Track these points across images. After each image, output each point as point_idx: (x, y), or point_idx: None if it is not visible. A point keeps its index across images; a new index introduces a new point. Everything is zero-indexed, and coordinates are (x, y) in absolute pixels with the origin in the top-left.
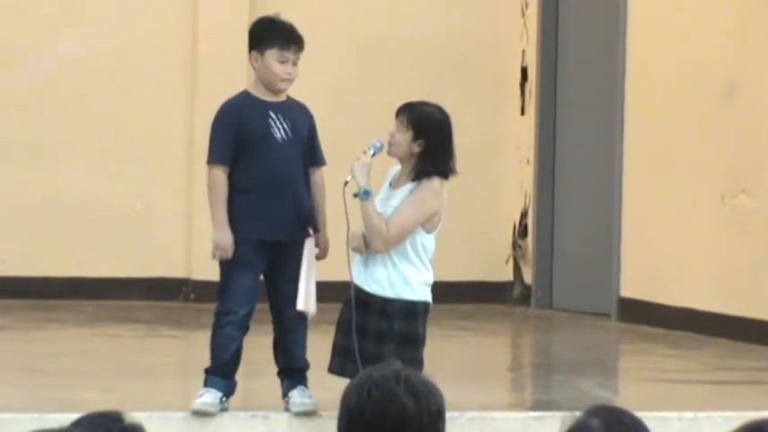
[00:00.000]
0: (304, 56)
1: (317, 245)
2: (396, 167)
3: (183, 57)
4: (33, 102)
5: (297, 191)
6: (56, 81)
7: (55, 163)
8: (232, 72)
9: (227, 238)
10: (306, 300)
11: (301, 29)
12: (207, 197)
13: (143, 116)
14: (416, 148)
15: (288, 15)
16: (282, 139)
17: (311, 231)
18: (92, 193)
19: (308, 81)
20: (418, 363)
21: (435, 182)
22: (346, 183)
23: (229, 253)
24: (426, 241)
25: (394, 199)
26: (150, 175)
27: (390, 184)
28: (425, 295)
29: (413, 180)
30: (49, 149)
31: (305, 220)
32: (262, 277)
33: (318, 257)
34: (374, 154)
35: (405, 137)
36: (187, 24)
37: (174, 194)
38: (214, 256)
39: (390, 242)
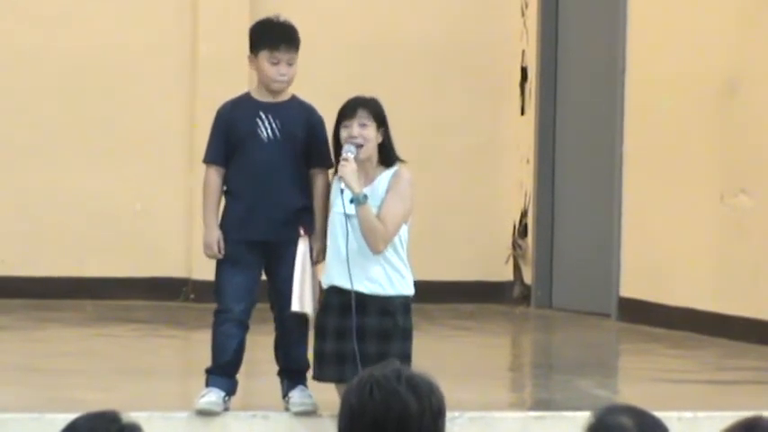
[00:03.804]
0: (303, 56)
1: (311, 247)
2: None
3: (182, 57)
4: (33, 102)
5: (282, 191)
6: (56, 81)
7: (55, 163)
8: (232, 73)
9: (211, 236)
10: (300, 300)
11: (301, 29)
12: None
13: (143, 116)
14: (379, 138)
15: (288, 16)
16: (268, 138)
17: (302, 232)
18: (92, 193)
19: (307, 82)
20: (409, 357)
21: (408, 171)
22: (342, 190)
23: (215, 250)
24: (406, 233)
25: (375, 197)
26: (150, 175)
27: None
28: (413, 288)
29: (386, 168)
30: (49, 149)
31: (294, 220)
32: (264, 277)
33: (315, 261)
34: (354, 158)
35: (374, 131)
36: (187, 25)
37: (174, 194)
38: (206, 255)
39: (389, 241)
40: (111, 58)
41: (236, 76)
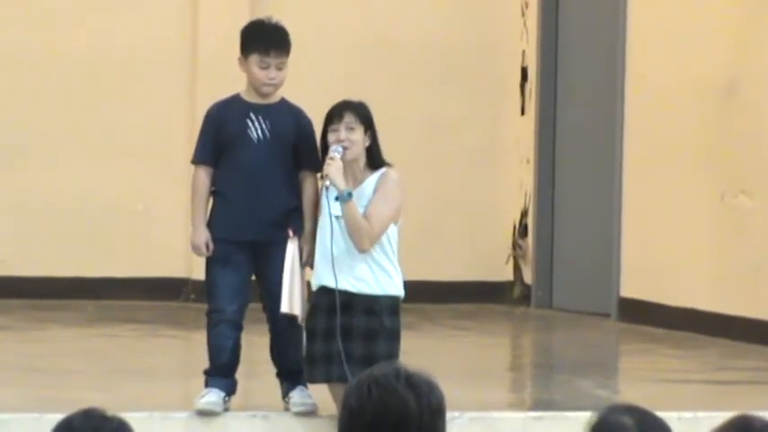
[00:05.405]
0: (303, 57)
1: (300, 248)
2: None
3: (183, 57)
4: (33, 102)
5: (271, 192)
6: (56, 81)
7: (55, 163)
8: (232, 73)
9: (198, 237)
10: (289, 301)
11: (300, 30)
12: None
13: (143, 116)
14: (367, 142)
15: (287, 17)
16: (258, 139)
17: (291, 233)
18: (92, 193)
19: (307, 82)
20: (396, 358)
21: (395, 172)
22: (326, 187)
23: (203, 251)
24: (395, 234)
25: (362, 198)
26: (151, 175)
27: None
28: (402, 289)
29: (374, 171)
30: (49, 149)
31: (283, 221)
32: (254, 278)
33: (304, 263)
34: (341, 157)
35: (360, 134)
36: (187, 25)
37: (175, 194)
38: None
39: (375, 239)
40: (112, 58)
41: (236, 76)
